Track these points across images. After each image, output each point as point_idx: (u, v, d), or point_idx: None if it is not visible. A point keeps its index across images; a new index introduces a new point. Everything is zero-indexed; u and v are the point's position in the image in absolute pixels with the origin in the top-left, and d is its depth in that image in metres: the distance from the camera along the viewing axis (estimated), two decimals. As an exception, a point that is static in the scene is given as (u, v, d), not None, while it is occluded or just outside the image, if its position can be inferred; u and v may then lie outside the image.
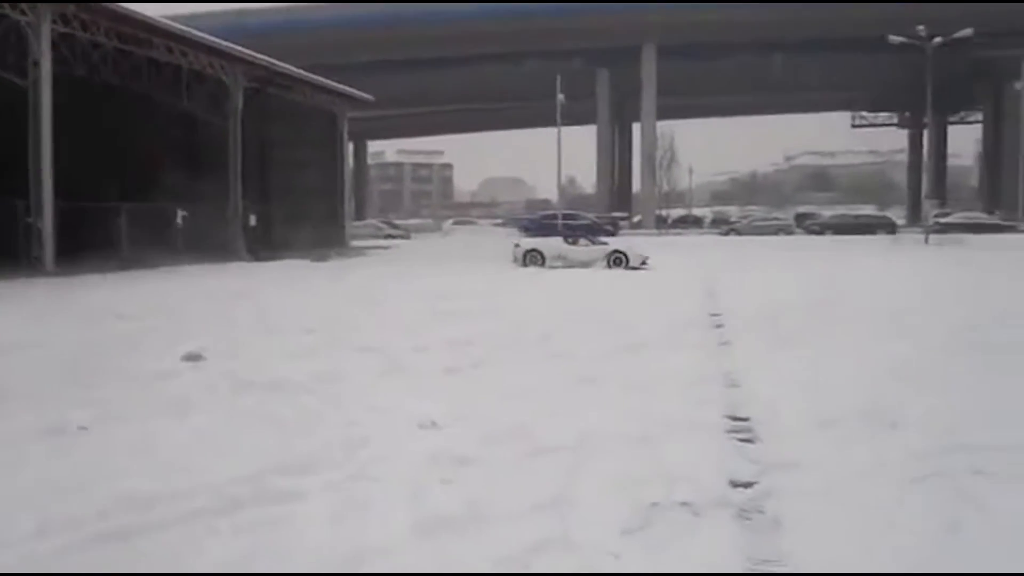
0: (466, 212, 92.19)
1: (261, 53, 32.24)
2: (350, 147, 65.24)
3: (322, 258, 28.84)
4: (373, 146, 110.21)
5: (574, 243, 27.43)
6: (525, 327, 11.93)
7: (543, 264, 26.18)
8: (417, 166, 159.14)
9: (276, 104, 33.98)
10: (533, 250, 26.89)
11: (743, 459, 5.77)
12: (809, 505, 4.80)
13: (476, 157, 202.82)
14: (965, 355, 9.58)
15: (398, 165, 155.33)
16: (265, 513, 4.65)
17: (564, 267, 25.58)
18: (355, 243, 42.82)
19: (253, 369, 8.67)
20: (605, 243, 28.31)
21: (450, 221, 62.45)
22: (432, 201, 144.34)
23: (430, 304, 14.89)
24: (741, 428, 6.64)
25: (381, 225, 61.93)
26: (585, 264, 25.77)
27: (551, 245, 27.30)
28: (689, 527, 4.57)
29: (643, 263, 26.08)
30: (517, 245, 27.76)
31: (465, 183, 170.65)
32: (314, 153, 37.98)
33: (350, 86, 40.01)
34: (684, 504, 4.85)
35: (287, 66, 33.92)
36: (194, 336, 10.58)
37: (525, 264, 26.29)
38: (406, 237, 57.20)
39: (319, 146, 38.55)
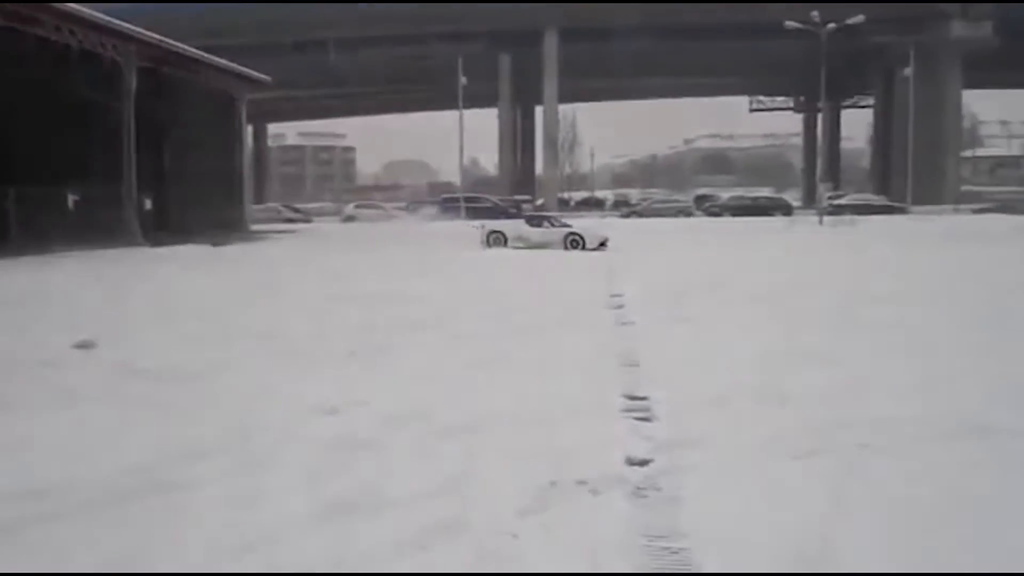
0: (369, 195, 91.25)
1: (158, 33, 31.41)
2: (250, 130, 64.24)
3: (220, 242, 28.30)
4: (274, 129, 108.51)
5: (536, 225, 28.00)
6: (431, 310, 11.90)
7: (505, 245, 26.68)
8: (319, 149, 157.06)
9: (172, 85, 33.16)
10: (496, 231, 27.48)
11: (640, 437, 5.85)
12: (703, 481, 4.89)
13: (379, 140, 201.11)
14: (854, 333, 9.86)
15: (299, 148, 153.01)
16: (155, 504, 4.56)
17: (525, 247, 25.97)
18: (255, 227, 42.16)
19: (147, 356, 8.48)
20: (568, 225, 28.63)
21: (352, 205, 61.68)
22: (335, 184, 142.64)
23: (330, 289, 14.72)
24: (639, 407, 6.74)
25: (282, 209, 60.99)
26: (544, 245, 26.20)
27: (513, 227, 28.06)
28: (586, 505, 4.61)
29: (601, 244, 26.62)
30: (482, 227, 28.20)
31: (368, 166, 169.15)
32: (212, 135, 37.19)
33: (250, 67, 39.29)
34: (581, 483, 4.89)
35: (183, 46, 33.11)
36: (86, 323, 10.30)
37: (489, 245, 26.76)
38: (307, 221, 56.48)
39: (217, 128, 37.77)
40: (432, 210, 54.15)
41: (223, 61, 36.65)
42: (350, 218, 55.47)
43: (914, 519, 4.29)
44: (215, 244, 27.47)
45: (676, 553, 4.07)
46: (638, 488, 4.90)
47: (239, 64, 38.40)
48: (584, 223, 33.15)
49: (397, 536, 4.13)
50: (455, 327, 10.44)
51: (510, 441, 5.68)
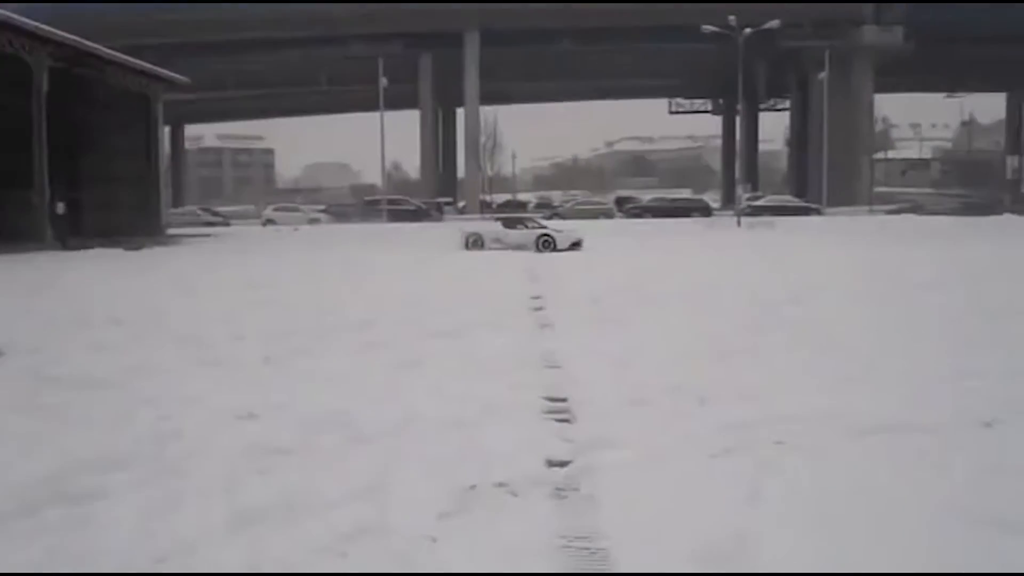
0: (290, 198, 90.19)
1: (71, 33, 30.70)
2: (167, 131, 63.15)
3: (136, 246, 27.77)
4: (192, 130, 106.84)
5: (511, 227, 28.49)
6: (348, 313, 11.81)
7: (483, 247, 27.03)
8: (237, 151, 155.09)
9: (86, 86, 32.43)
10: (474, 233, 28.01)
11: (559, 439, 5.87)
12: (622, 481, 4.93)
13: (300, 142, 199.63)
14: (770, 331, 10.03)
15: (218, 150, 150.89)
16: (67, 514, 4.45)
17: (501, 249, 26.40)
18: (172, 231, 41.43)
19: (58, 364, 8.29)
20: (543, 227, 29.07)
21: (271, 207, 60.91)
22: (254, 187, 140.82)
23: (246, 294, 14.53)
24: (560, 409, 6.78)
25: (200, 212, 60.07)
26: (520, 247, 26.59)
27: (490, 229, 28.61)
28: (506, 507, 4.62)
29: (573, 245, 27.00)
30: (463, 230, 28.71)
31: (288, 169, 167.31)
32: (128, 137, 36.45)
33: (167, 68, 38.62)
34: (501, 485, 4.90)
35: (96, 46, 32.40)
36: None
37: (468, 247, 27.11)
38: (226, 224, 55.71)
39: (133, 130, 37.02)
40: (355, 212, 53.88)
41: (138, 62, 35.96)
42: (270, 221, 54.82)
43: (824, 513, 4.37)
44: (129, 248, 26.94)
45: (595, 553, 4.09)
46: (558, 489, 4.92)
47: (156, 65, 37.73)
48: (559, 225, 33.79)
49: (315, 542, 4.09)
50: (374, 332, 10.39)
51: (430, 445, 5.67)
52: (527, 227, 28.70)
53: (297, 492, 4.74)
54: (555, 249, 26.47)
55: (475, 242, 27.40)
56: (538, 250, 26.43)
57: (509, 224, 29.14)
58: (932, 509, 4.38)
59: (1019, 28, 62.09)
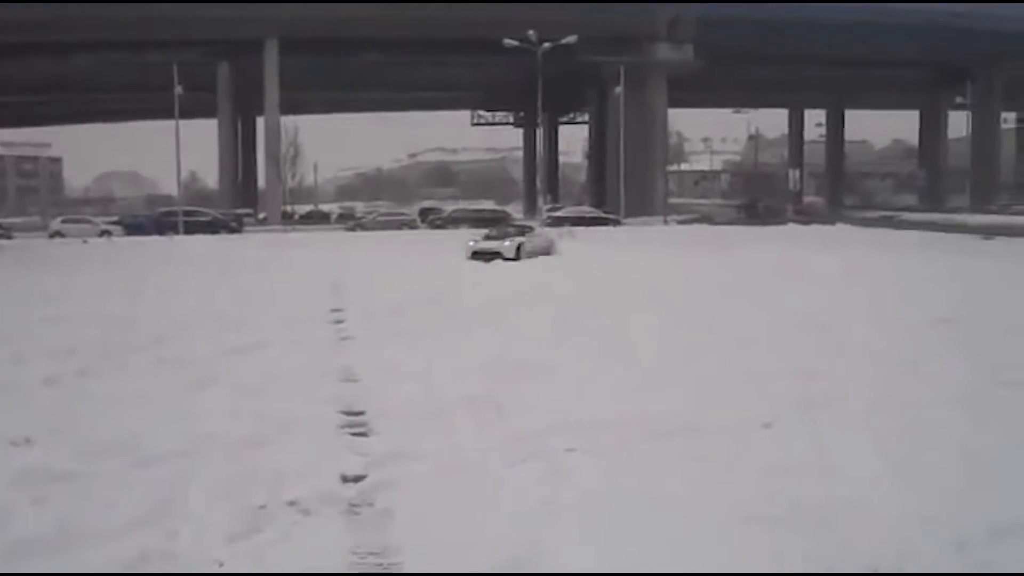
0: (79, 209, 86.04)
1: None
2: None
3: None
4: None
5: (494, 238, 28.24)
6: (134, 329, 11.38)
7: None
8: (21, 159, 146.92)
9: None
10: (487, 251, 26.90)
11: (355, 453, 5.85)
12: (417, 494, 4.95)
13: (90, 150, 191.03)
14: (566, 340, 10.23)
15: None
16: None
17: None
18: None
19: None
20: (521, 235, 29.02)
21: (59, 219, 57.89)
22: (40, 197, 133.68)
23: (31, 311, 13.80)
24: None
25: (-23, 224, 56.55)
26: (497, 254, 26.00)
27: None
28: (297, 526, 4.57)
29: (547, 252, 27.30)
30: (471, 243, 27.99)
31: (78, 178, 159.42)
32: None
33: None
34: (292, 503, 4.84)
35: None
36: None
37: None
38: (9, 237, 52.64)
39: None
40: (150, 224, 51.93)
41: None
42: (58, 233, 52.11)
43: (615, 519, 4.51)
44: None
45: (387, 568, 4.10)
46: (352, 505, 4.90)
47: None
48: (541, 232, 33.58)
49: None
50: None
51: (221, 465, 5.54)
52: (510, 237, 28.42)
53: (76, 520, 4.55)
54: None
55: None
56: (516, 257, 26.13)
57: (493, 235, 29.19)
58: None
59: (800, 49, 66.07)
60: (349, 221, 62.55)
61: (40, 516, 4.61)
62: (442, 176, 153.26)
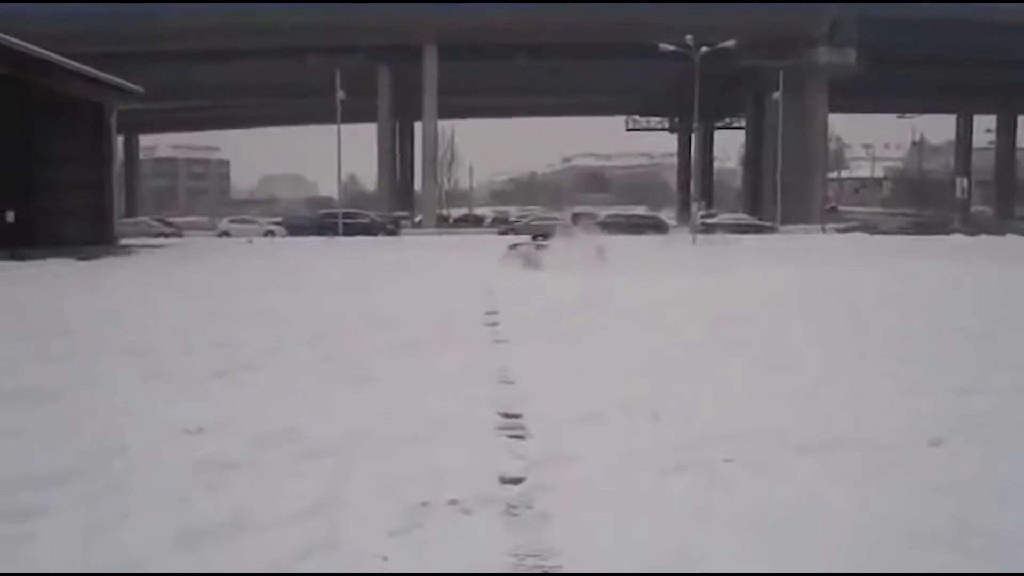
0: (244, 210, 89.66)
1: (21, 39, 30.27)
2: (120, 141, 62.52)
3: (87, 256, 27.43)
4: (146, 140, 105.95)
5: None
6: (298, 327, 11.69)
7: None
8: (192, 162, 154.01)
9: (35, 93, 31.99)
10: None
11: (513, 456, 5.83)
12: (574, 498, 4.90)
13: (255, 153, 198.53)
14: (719, 349, 10.04)
15: (172, 161, 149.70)
16: (7, 532, 4.33)
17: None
18: (125, 241, 40.95)
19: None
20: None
21: (226, 219, 60.43)
22: (209, 198, 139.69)
23: (196, 304, 14.35)
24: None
25: (153, 223, 59.48)
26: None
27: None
28: (458, 525, 4.57)
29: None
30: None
31: (244, 180, 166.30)
32: (80, 146, 35.97)
33: (122, 77, 38.17)
34: (453, 502, 4.85)
35: (46, 52, 31.95)
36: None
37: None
38: (179, 235, 55.18)
39: (85, 139, 36.54)
40: (310, 225, 53.62)
41: (91, 69, 35.53)
42: (225, 233, 54.39)
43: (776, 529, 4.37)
44: (81, 258, 26.60)
45: (547, 571, 4.07)
46: (510, 506, 4.88)
47: (110, 73, 37.28)
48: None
49: (262, 560, 4.02)
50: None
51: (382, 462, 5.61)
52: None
53: (247, 508, 4.65)
54: None
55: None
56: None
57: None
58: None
59: (968, 51, 63.33)
60: (502, 225, 63.22)
61: (215, 503, 4.75)
62: (595, 181, 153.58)
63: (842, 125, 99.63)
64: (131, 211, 76.53)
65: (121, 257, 30.38)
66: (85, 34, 55.45)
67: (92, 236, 34.42)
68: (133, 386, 7.82)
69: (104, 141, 38.40)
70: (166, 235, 53.57)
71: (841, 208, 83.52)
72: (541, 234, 30.51)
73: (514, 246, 28.25)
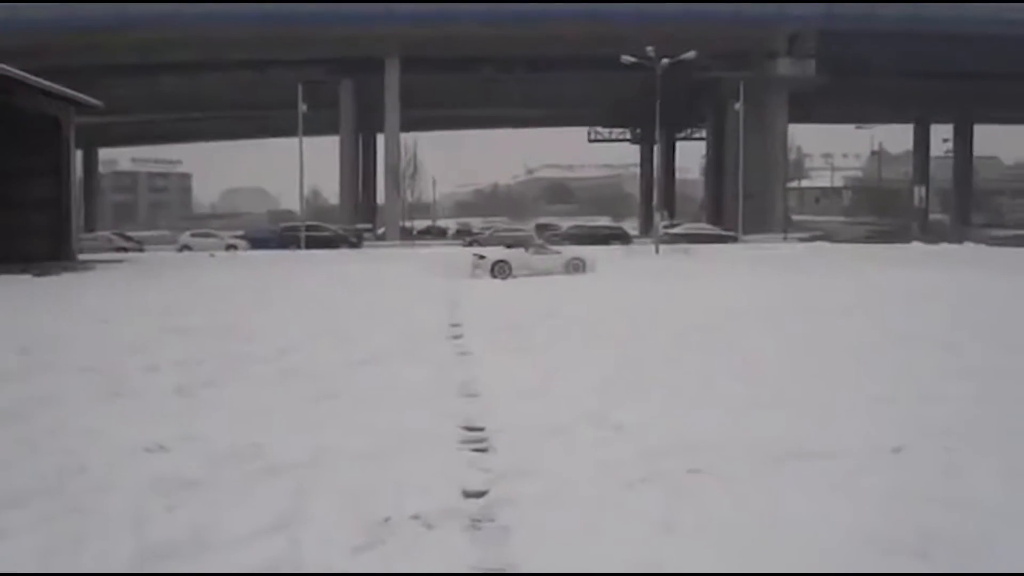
0: (206, 224, 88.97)
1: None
2: (79, 155, 61.85)
3: (44, 272, 27.07)
4: (106, 154, 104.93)
5: (537, 253, 28.95)
6: (257, 342, 11.62)
7: (511, 273, 26.84)
8: (153, 175, 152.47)
9: (-9, 108, 31.59)
10: (501, 261, 27.73)
11: (476, 469, 5.84)
12: (537, 511, 4.91)
13: (217, 167, 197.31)
14: (685, 359, 10.08)
15: (132, 174, 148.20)
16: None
17: (529, 275, 26.05)
18: (84, 256, 40.48)
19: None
20: (559, 252, 29.95)
21: (188, 233, 59.91)
22: (170, 212, 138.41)
23: (159, 321, 14.21)
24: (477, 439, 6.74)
25: (113, 237, 58.75)
26: (548, 272, 26.68)
27: (516, 256, 28.39)
28: (421, 540, 4.57)
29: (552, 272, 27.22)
30: (484, 257, 28.72)
31: (205, 194, 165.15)
32: (37, 161, 35.48)
33: (80, 90, 37.71)
34: (416, 517, 4.85)
35: (2, 66, 31.53)
36: None
37: (494, 275, 26.81)
38: (140, 250, 54.62)
39: (42, 154, 36.03)
40: (273, 239, 53.37)
41: (48, 83, 35.03)
42: (186, 247, 53.90)
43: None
44: (37, 274, 26.26)
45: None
46: (474, 520, 4.88)
47: (68, 87, 36.83)
48: (576, 250, 33.53)
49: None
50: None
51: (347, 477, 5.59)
52: (550, 254, 29.25)
53: (207, 526, 4.66)
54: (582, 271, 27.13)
55: (501, 270, 27.12)
56: (568, 273, 26.86)
57: (534, 251, 29.45)
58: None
59: (926, 63, 64.17)
60: (466, 237, 63.21)
61: (174, 522, 4.72)
62: (559, 192, 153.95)
63: (802, 135, 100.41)
64: (91, 226, 75.69)
65: (79, 273, 29.96)
66: (43, 46, 54.85)
67: (49, 252, 34.01)
68: (92, 404, 7.75)
69: (62, 155, 37.91)
70: (126, 250, 52.98)
71: (802, 217, 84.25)
72: (507, 245, 30.81)
73: (481, 257, 28.50)
